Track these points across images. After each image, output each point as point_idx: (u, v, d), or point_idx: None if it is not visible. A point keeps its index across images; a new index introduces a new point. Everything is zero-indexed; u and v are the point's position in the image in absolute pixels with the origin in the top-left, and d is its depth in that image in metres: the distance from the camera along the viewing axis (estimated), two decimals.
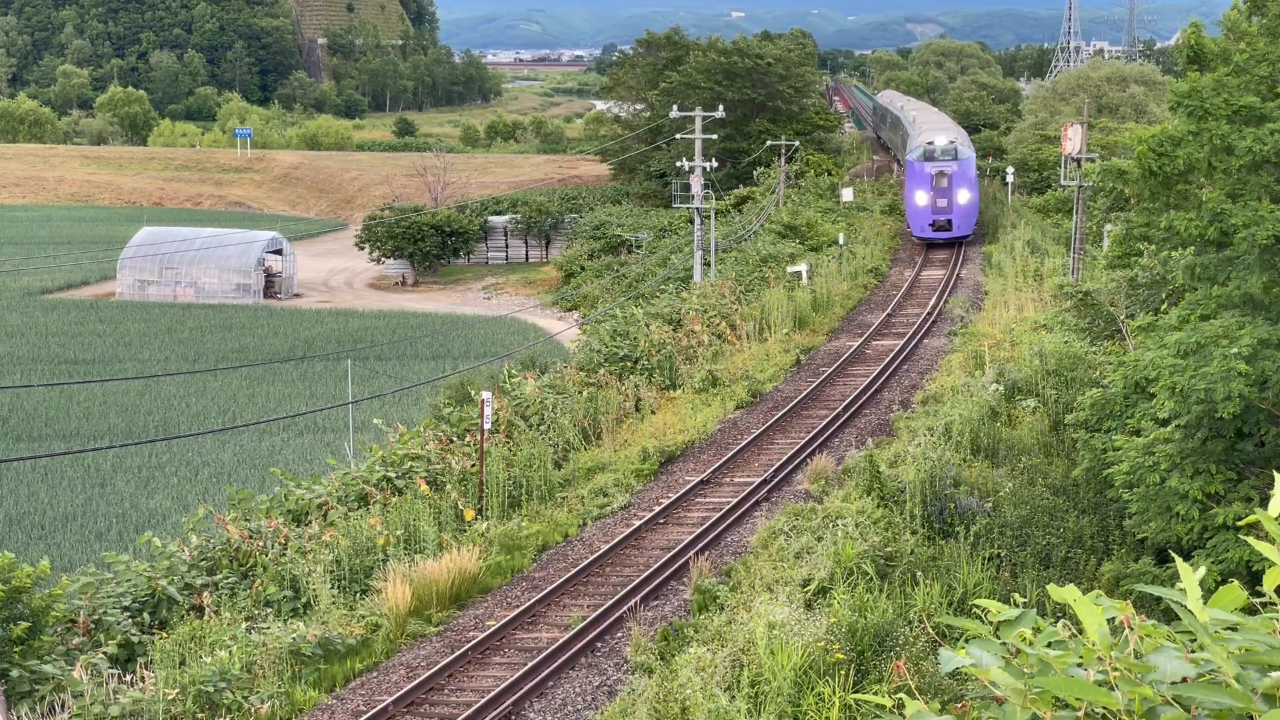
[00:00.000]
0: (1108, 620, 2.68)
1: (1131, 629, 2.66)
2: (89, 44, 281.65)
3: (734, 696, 18.51)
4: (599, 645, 22.61)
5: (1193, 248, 23.36)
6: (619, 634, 22.92)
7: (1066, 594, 2.76)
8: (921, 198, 65.79)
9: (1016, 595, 3.16)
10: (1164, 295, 29.18)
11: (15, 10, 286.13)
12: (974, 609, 3.00)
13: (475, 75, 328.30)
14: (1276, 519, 2.96)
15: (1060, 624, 2.80)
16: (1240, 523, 18.95)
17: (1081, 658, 2.63)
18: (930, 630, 20.27)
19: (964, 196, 65.57)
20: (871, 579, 22.68)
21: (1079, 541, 24.95)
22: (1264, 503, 3.12)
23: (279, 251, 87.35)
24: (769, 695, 18.59)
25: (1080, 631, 2.73)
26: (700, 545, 26.92)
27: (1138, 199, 26.27)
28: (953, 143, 66.75)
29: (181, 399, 55.95)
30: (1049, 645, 2.71)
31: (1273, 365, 19.48)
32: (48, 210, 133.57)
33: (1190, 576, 2.76)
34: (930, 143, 67.07)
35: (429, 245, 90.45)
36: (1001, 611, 2.79)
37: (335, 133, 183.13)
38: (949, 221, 65.41)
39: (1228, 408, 19.01)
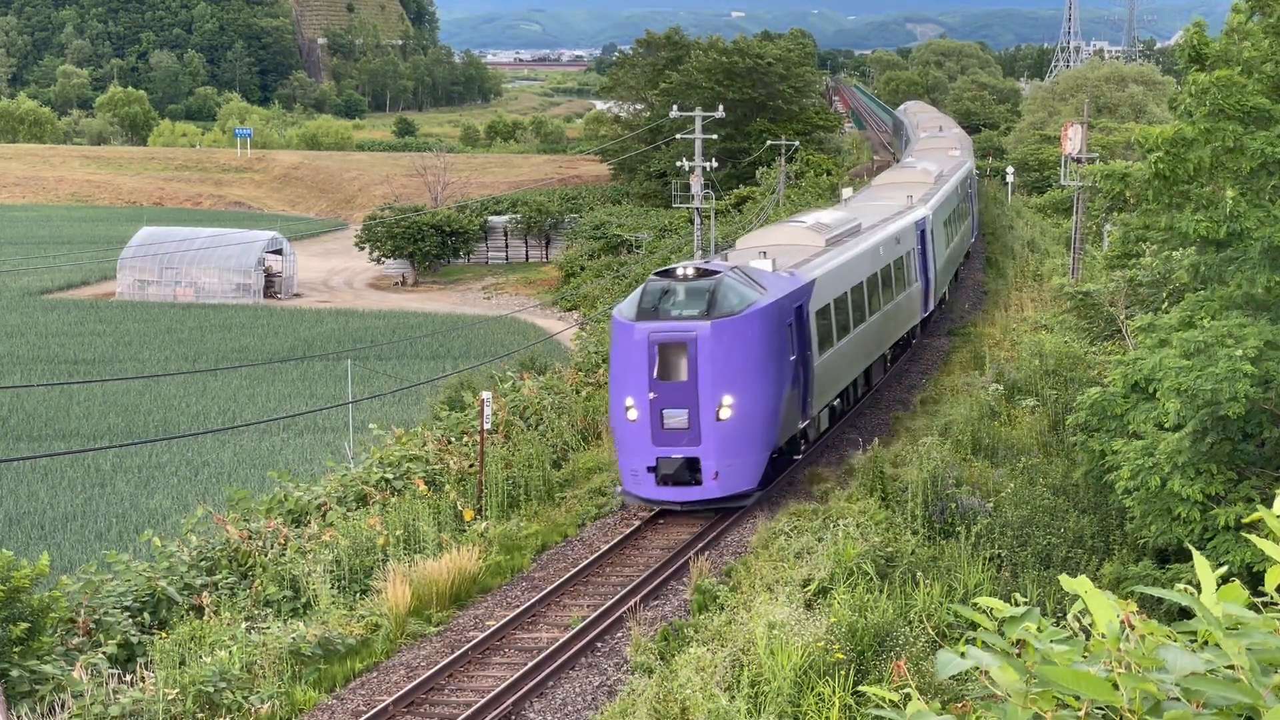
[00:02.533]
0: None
1: (1134, 627, 2.65)
2: (89, 44, 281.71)
3: (734, 696, 18.51)
4: (599, 645, 22.60)
5: (1193, 248, 23.36)
6: (619, 634, 22.92)
7: (1078, 585, 2.76)
8: (631, 409, 28.12)
9: (1018, 595, 3.15)
10: (1164, 295, 29.20)
11: (15, 10, 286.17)
12: (976, 607, 3.00)
13: (475, 75, 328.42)
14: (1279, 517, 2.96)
15: (1063, 623, 2.80)
16: (1244, 521, 18.97)
17: (1089, 650, 2.60)
18: (930, 631, 20.27)
19: (727, 406, 27.76)
20: (872, 579, 22.67)
21: (1079, 542, 24.96)
22: (1265, 503, 3.12)
23: (279, 251, 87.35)
24: (769, 695, 18.58)
25: (1081, 630, 2.73)
26: (700, 545, 26.91)
27: (1139, 200, 26.28)
28: (712, 274, 28.67)
29: (181, 399, 55.94)
30: (1052, 642, 2.71)
31: (1276, 366, 19.48)
32: (48, 210, 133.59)
33: (1206, 571, 2.75)
34: (665, 275, 29.21)
35: (429, 245, 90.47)
36: (1006, 609, 2.79)
37: (335, 133, 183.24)
38: (688, 467, 27.82)
39: (1233, 408, 19.00)
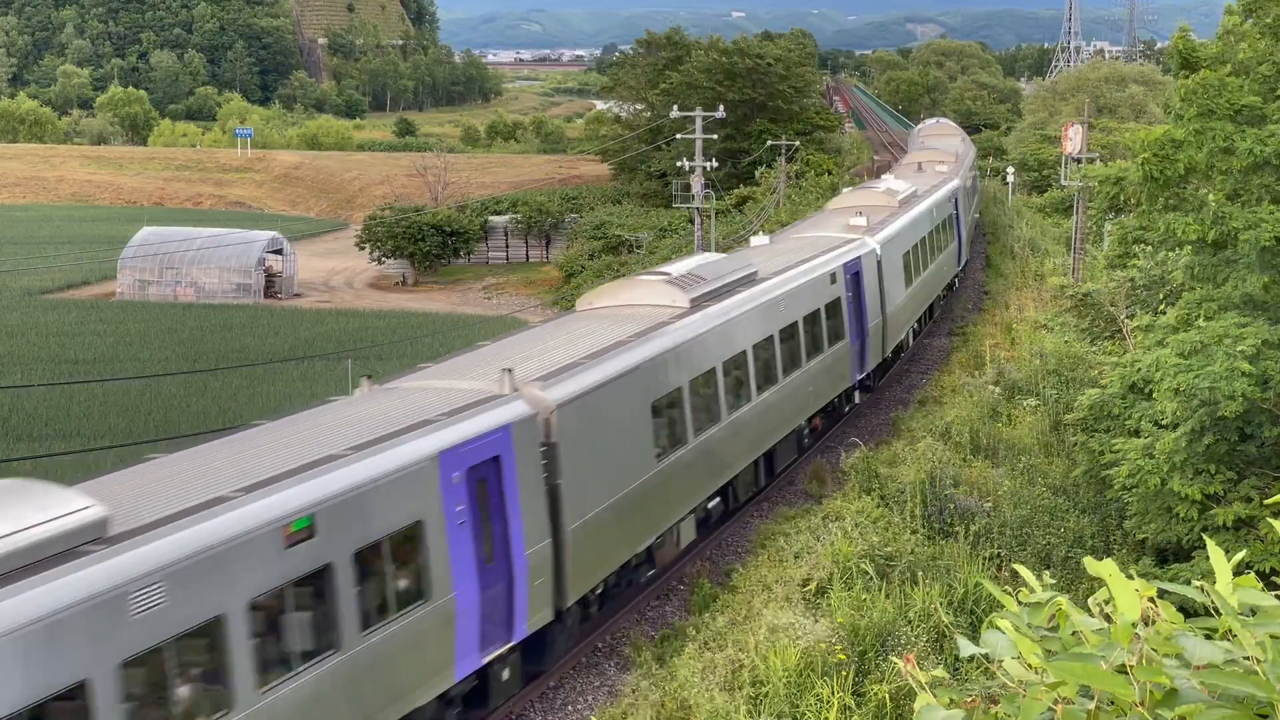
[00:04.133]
0: None
1: (1149, 622, 2.64)
2: (89, 44, 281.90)
3: (733, 696, 18.50)
4: (599, 645, 22.59)
5: (1189, 248, 23.34)
6: (619, 633, 22.91)
7: (1103, 569, 2.75)
8: None
9: (1047, 575, 3.12)
10: (1162, 296, 29.18)
11: (15, 10, 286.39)
12: (1012, 580, 2.98)
13: (475, 75, 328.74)
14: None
15: (1092, 600, 2.78)
16: (1244, 516, 18.96)
17: (1113, 635, 2.58)
18: (944, 621, 20.25)
19: None
20: (871, 578, 22.65)
21: (1079, 541, 24.93)
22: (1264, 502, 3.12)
23: (279, 251, 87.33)
24: (768, 695, 18.57)
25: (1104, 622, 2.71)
26: (700, 545, 26.90)
27: (1136, 201, 26.29)
28: None
29: (181, 399, 55.91)
30: (1072, 633, 2.69)
31: (1275, 365, 19.46)
32: (48, 210, 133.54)
33: (1222, 561, 2.74)
34: None
35: (429, 245, 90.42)
36: (1036, 584, 2.77)
37: (335, 133, 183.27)
38: None
39: (1230, 407, 18.99)
